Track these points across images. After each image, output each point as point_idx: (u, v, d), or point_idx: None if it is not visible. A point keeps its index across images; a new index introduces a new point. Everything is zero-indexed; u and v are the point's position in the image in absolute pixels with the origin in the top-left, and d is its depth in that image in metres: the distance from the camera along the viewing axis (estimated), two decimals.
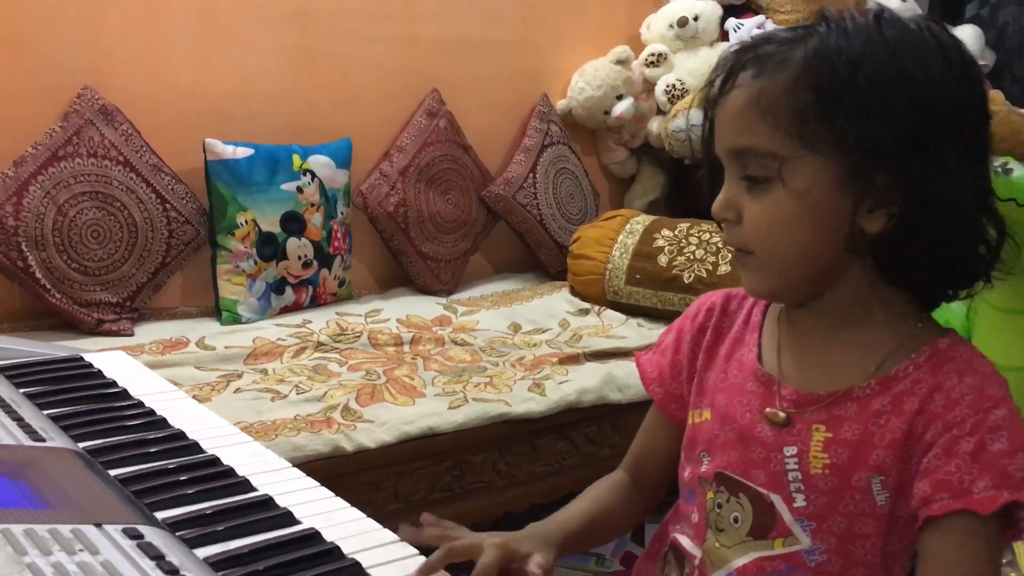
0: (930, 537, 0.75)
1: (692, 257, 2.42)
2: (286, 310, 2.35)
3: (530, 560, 0.82)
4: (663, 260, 2.44)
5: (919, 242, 0.76)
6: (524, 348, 2.23)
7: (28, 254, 2.03)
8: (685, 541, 0.91)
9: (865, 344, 0.81)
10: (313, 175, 2.38)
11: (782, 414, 0.83)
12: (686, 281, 2.38)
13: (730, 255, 2.39)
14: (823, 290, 0.82)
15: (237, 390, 1.87)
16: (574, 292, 2.64)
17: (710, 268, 2.38)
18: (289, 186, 2.33)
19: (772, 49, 0.77)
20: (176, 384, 1.84)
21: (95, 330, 2.11)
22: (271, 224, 2.30)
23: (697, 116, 2.77)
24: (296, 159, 2.35)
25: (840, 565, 0.81)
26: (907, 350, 0.80)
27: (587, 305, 2.55)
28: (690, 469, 0.91)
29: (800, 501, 0.81)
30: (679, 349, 0.96)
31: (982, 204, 0.77)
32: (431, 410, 1.83)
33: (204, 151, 2.24)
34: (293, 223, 2.33)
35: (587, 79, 2.91)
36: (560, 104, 2.96)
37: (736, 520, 0.85)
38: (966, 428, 0.75)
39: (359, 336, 2.21)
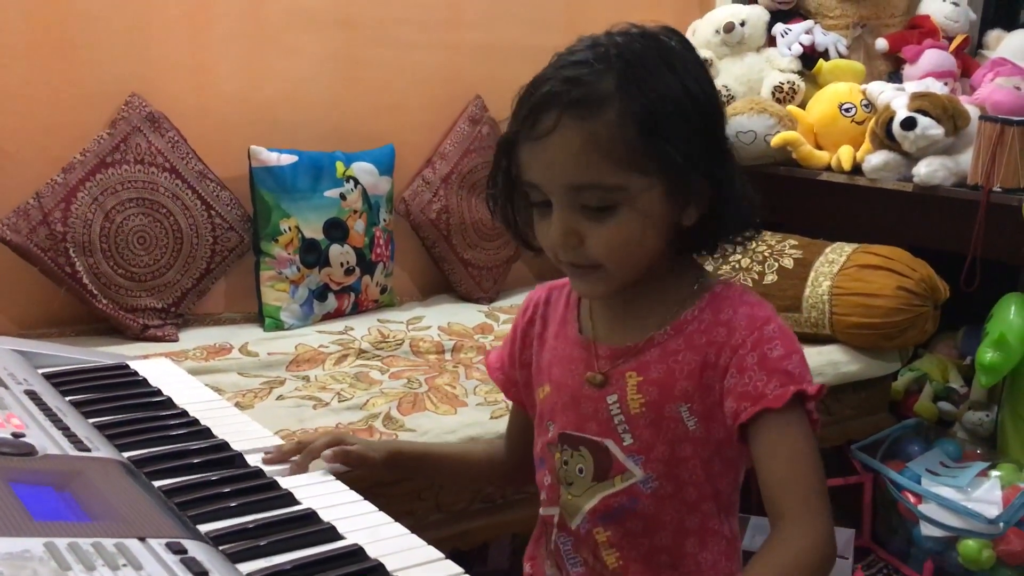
0: (751, 443, 0.87)
1: (738, 266, 2.38)
2: (328, 317, 2.36)
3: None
4: (708, 268, 2.40)
5: (721, 222, 0.92)
6: None
7: (76, 260, 2.05)
8: (545, 510, 1.03)
9: (660, 301, 0.95)
10: (356, 182, 2.38)
11: (599, 375, 0.96)
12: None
13: (777, 264, 2.35)
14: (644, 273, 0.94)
15: (279, 397, 1.87)
16: None
17: (756, 277, 2.34)
18: (332, 193, 2.33)
19: (583, 92, 0.85)
20: (219, 390, 1.85)
21: (140, 336, 2.12)
22: (314, 231, 2.30)
23: (743, 123, 2.74)
24: (339, 166, 2.36)
25: (672, 487, 0.93)
26: (692, 299, 0.94)
27: None
28: (540, 440, 1.03)
29: (628, 440, 0.94)
30: (515, 341, 1.09)
31: (742, 178, 0.92)
32: (473, 419, 1.81)
33: (249, 158, 2.25)
34: (336, 230, 2.34)
35: None
36: None
37: (581, 471, 0.97)
38: (748, 346, 0.88)
39: (400, 344, 2.20)
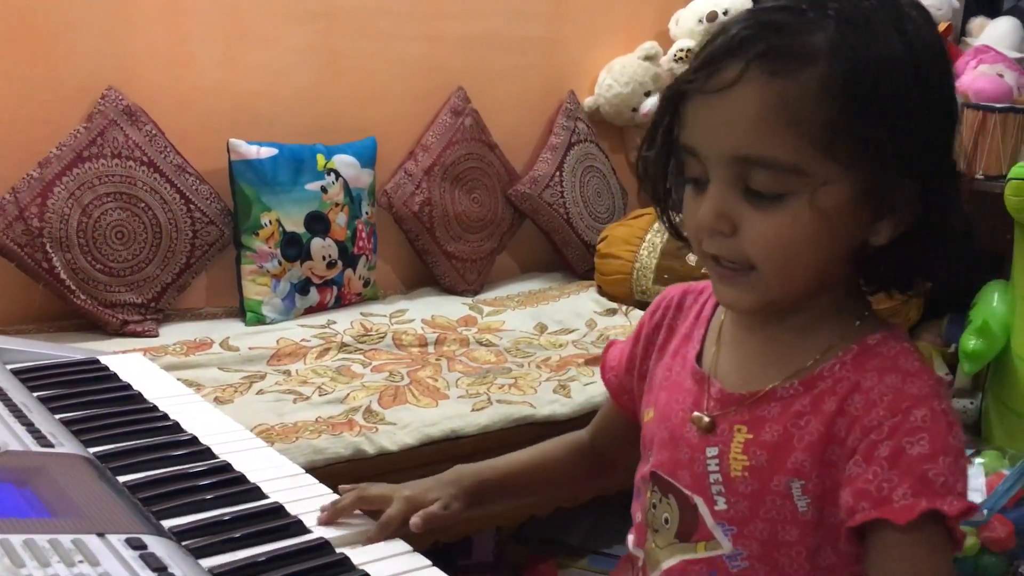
0: (865, 552, 0.71)
1: None
2: (311, 310, 2.34)
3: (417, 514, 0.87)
4: (692, 259, 2.40)
5: (925, 249, 0.73)
6: (550, 349, 2.20)
7: (53, 255, 2.03)
8: (630, 545, 0.90)
9: (802, 344, 0.77)
10: (337, 175, 2.36)
11: (706, 419, 0.79)
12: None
13: None
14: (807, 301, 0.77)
15: (260, 392, 1.86)
16: (601, 292, 2.61)
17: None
18: (313, 186, 2.31)
19: (786, 41, 0.68)
20: (199, 385, 1.84)
21: (120, 331, 2.10)
22: (295, 224, 2.29)
23: None
24: (320, 159, 2.34)
25: (764, 573, 0.77)
26: (837, 349, 0.76)
27: (615, 305, 2.52)
28: (640, 468, 0.89)
29: (721, 504, 0.78)
30: (636, 344, 0.93)
31: (960, 201, 0.74)
32: (454, 412, 1.80)
33: (228, 151, 2.23)
34: (317, 223, 2.32)
35: (615, 76, 2.87)
36: (587, 101, 2.92)
37: (667, 521, 0.83)
38: (884, 431, 0.70)
39: (383, 337, 2.19)
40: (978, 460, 2.12)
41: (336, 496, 0.93)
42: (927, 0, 2.77)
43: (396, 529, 0.87)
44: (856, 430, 0.72)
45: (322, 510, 0.88)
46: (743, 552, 0.77)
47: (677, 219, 0.80)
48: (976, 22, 2.78)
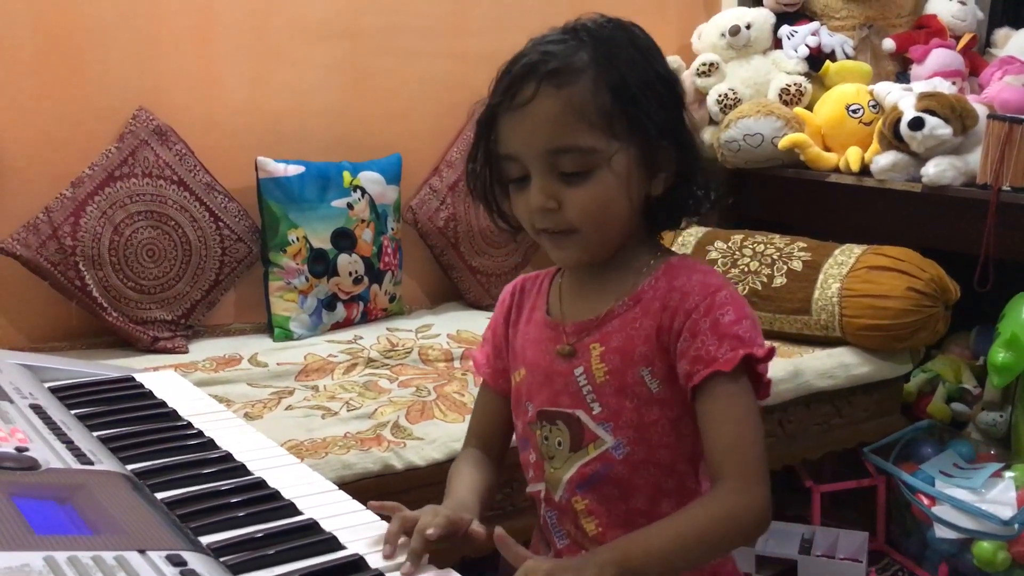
0: (700, 404, 0.92)
1: (747, 269, 2.37)
2: (337, 326, 2.36)
3: (472, 524, 0.96)
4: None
5: (686, 191, 0.98)
6: None
7: (85, 273, 2.06)
8: (531, 487, 1.06)
9: (622, 275, 0.99)
10: (363, 191, 2.39)
11: (567, 347, 1.00)
12: (741, 293, 2.33)
13: (786, 267, 2.34)
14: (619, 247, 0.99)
15: (288, 407, 1.88)
16: None
17: (765, 280, 2.33)
18: (340, 202, 2.34)
19: (561, 63, 0.92)
20: (229, 401, 1.86)
21: (150, 348, 2.13)
22: (322, 240, 2.31)
23: (750, 125, 2.74)
24: (346, 175, 2.36)
25: (643, 451, 0.96)
26: (649, 272, 0.99)
27: None
28: (520, 422, 1.06)
29: (597, 408, 0.97)
30: (496, 334, 1.11)
31: (701, 151, 1.01)
32: None
33: (256, 169, 2.26)
34: (344, 239, 2.34)
35: None
36: None
37: (560, 444, 1.01)
38: (700, 311, 0.93)
39: (409, 352, 2.21)
40: (1008, 474, 2.10)
41: (366, 510, 0.95)
42: (953, 9, 2.78)
43: (432, 540, 0.90)
44: (679, 315, 0.94)
45: (386, 557, 0.87)
46: (623, 440, 0.97)
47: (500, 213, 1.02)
48: (1001, 33, 2.76)
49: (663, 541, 0.87)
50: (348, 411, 1.86)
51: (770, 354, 0.93)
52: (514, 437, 1.11)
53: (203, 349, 2.17)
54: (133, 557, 0.74)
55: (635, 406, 0.96)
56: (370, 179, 2.41)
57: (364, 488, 1.58)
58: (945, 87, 2.41)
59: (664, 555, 0.86)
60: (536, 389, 1.03)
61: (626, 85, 0.92)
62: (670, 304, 0.95)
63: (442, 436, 1.76)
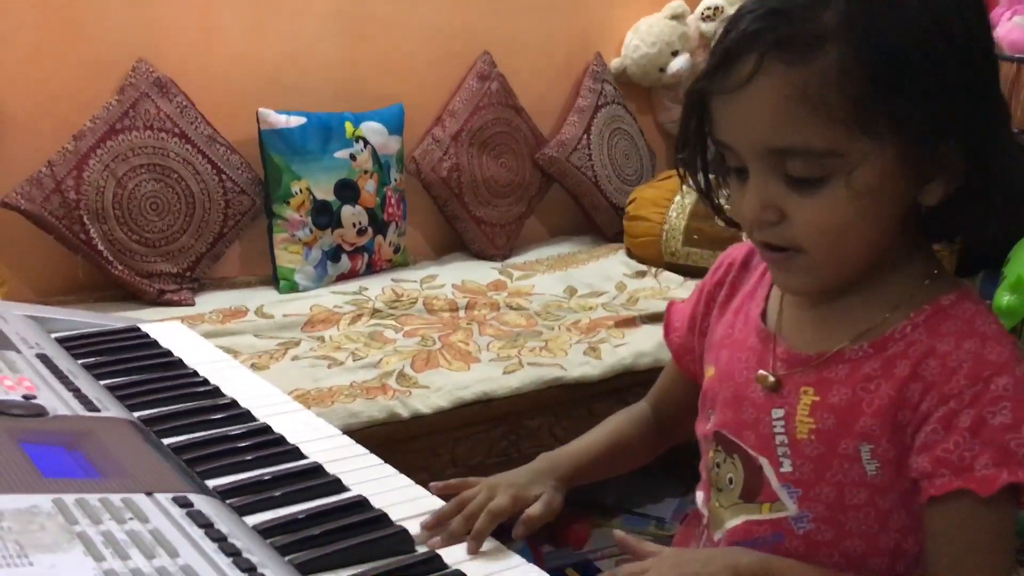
0: (933, 516, 0.72)
1: None
2: (342, 277, 2.37)
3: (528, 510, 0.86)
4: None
5: (979, 204, 0.71)
6: (580, 312, 2.21)
7: (90, 227, 2.07)
8: (698, 501, 0.90)
9: (867, 302, 0.76)
10: (366, 142, 2.38)
11: (772, 378, 0.79)
12: (745, 240, 2.32)
13: None
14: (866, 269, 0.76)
15: (295, 358, 1.89)
16: (630, 254, 2.61)
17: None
18: (342, 154, 2.33)
19: (794, 28, 0.67)
20: (235, 352, 1.88)
21: (157, 300, 2.15)
22: (325, 192, 2.31)
23: None
24: (348, 126, 2.35)
25: (832, 535, 0.77)
26: (908, 308, 0.75)
27: (644, 267, 2.52)
28: (701, 427, 0.89)
29: (787, 466, 0.78)
30: (698, 303, 0.93)
31: (1012, 141, 0.72)
32: (486, 375, 1.83)
33: (258, 121, 2.25)
34: (347, 191, 2.34)
35: (641, 36, 2.85)
36: (614, 63, 2.90)
37: (731, 481, 0.83)
38: (965, 400, 0.70)
39: (414, 302, 2.22)
40: None
41: (369, 454, 0.95)
42: None
43: (501, 520, 0.84)
44: (933, 396, 0.71)
45: (425, 527, 0.83)
46: (809, 514, 0.77)
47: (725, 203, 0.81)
48: None
49: None
50: (354, 361, 1.87)
51: None
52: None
53: (209, 301, 2.19)
54: (140, 499, 0.75)
55: (838, 482, 0.76)
56: (372, 129, 2.40)
57: (370, 436, 1.59)
58: None
59: None
60: (722, 405, 0.84)
61: (890, 60, 0.66)
62: (924, 374, 0.72)
63: (447, 384, 1.78)
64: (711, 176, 0.81)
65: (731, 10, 2.67)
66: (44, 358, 1.07)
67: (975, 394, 0.69)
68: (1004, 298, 2.13)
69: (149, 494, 0.76)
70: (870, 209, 0.70)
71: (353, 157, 2.35)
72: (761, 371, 0.80)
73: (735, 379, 0.83)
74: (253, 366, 1.82)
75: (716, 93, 0.72)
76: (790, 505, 0.78)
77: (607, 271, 2.50)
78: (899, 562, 0.77)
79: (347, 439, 1.02)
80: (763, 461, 0.79)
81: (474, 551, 0.80)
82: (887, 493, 0.75)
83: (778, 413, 0.78)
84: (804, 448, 0.77)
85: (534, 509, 0.87)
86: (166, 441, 0.94)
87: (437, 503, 0.88)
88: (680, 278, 2.43)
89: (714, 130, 0.74)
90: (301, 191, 2.28)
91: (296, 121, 2.27)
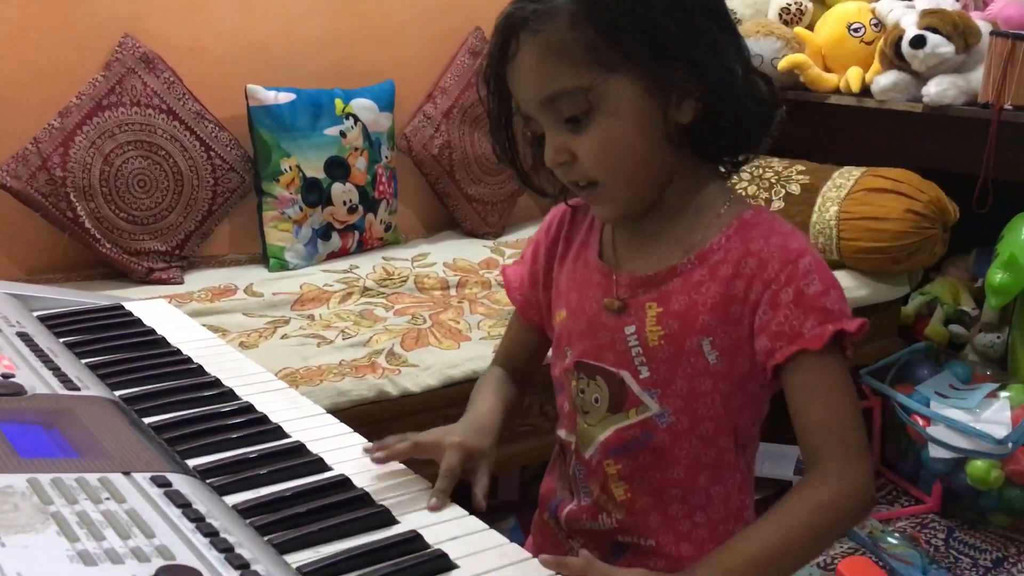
0: (787, 384, 0.84)
1: (744, 193, 2.35)
2: (333, 256, 2.35)
3: (475, 486, 0.92)
4: None
5: (725, 116, 0.84)
6: None
7: (77, 205, 2.05)
8: (562, 433, 1.00)
9: (684, 227, 0.90)
10: (356, 119, 2.35)
11: (617, 302, 0.91)
12: None
13: (784, 190, 2.32)
14: (662, 192, 0.90)
15: (284, 336, 1.88)
16: None
17: (763, 204, 2.31)
18: (332, 131, 2.31)
19: (536, 6, 0.83)
20: (224, 331, 1.86)
21: (145, 279, 2.13)
22: (315, 170, 2.29)
23: (749, 46, 2.66)
24: (338, 103, 2.33)
25: (688, 422, 0.89)
26: (719, 226, 0.89)
27: None
28: (558, 365, 0.99)
29: (645, 372, 0.90)
30: (536, 259, 1.03)
31: (750, 67, 0.87)
32: (476, 353, 1.81)
33: (246, 97, 2.23)
34: (337, 168, 2.32)
35: None
36: None
37: (597, 400, 0.94)
38: (782, 280, 0.84)
39: (405, 280, 2.20)
40: (1004, 394, 2.11)
41: (353, 433, 0.94)
42: None
43: (458, 476, 0.90)
44: (756, 285, 0.85)
45: (368, 451, 0.90)
46: (669, 409, 0.90)
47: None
48: None
49: (766, 544, 0.79)
50: (343, 339, 1.86)
51: (862, 328, 0.83)
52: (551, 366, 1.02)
53: (198, 280, 2.17)
54: (117, 478, 0.74)
55: (688, 375, 0.88)
56: (363, 106, 2.37)
57: (360, 414, 1.59)
58: (948, 3, 2.36)
59: (771, 558, 0.78)
60: (577, 337, 0.95)
61: (608, 8, 0.82)
62: (744, 271, 0.86)
63: (437, 363, 1.77)
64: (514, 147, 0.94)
65: None
66: (25, 336, 1.06)
67: (789, 274, 0.84)
68: (997, 276, 2.13)
69: (127, 473, 0.76)
70: (634, 132, 0.84)
71: (343, 134, 2.32)
72: (607, 299, 0.92)
73: (587, 312, 0.94)
74: (242, 344, 1.81)
75: (500, 73, 0.87)
76: (653, 405, 0.90)
77: None
78: (738, 435, 0.91)
79: (331, 418, 1.01)
80: (624, 374, 0.91)
81: (436, 507, 0.84)
82: (727, 377, 0.88)
83: (630, 329, 0.90)
84: (657, 353, 0.89)
85: (481, 499, 0.91)
86: (147, 420, 0.93)
87: (421, 483, 0.87)
88: None
89: (518, 105, 0.88)
90: (291, 168, 2.26)
91: (285, 97, 2.25)
